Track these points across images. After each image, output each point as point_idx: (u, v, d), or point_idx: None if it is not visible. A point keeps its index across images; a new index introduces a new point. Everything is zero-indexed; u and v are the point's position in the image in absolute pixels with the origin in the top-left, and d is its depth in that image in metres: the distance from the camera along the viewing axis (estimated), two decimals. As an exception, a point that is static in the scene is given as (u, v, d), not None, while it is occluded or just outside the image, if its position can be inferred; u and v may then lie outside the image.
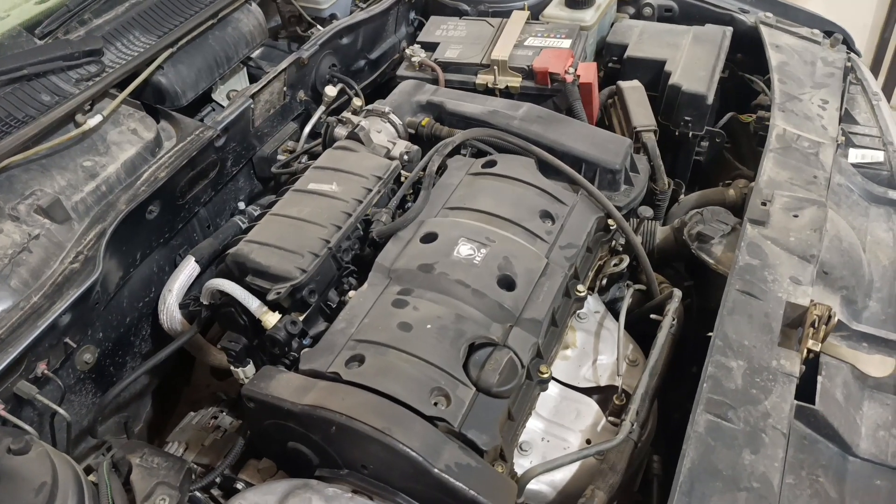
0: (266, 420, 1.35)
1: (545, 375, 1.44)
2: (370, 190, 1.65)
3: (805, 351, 1.43)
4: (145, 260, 1.78)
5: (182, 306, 1.70)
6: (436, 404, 1.28)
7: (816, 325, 1.44)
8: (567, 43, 2.11)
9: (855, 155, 1.97)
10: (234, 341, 1.57)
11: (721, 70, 2.24)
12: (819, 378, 1.41)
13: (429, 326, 1.38)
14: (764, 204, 1.71)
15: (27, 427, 1.36)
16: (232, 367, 1.60)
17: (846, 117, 2.07)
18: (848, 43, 2.31)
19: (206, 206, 1.96)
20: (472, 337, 1.38)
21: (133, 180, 1.62)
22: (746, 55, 2.40)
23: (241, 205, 2.05)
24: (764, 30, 2.30)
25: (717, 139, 2.18)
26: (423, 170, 1.72)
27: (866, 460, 1.35)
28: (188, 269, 1.82)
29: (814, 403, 1.36)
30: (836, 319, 1.44)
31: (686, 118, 2.10)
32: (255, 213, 1.96)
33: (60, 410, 1.41)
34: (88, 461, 1.73)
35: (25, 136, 1.53)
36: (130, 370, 1.81)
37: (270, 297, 1.47)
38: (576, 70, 2.01)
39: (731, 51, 2.38)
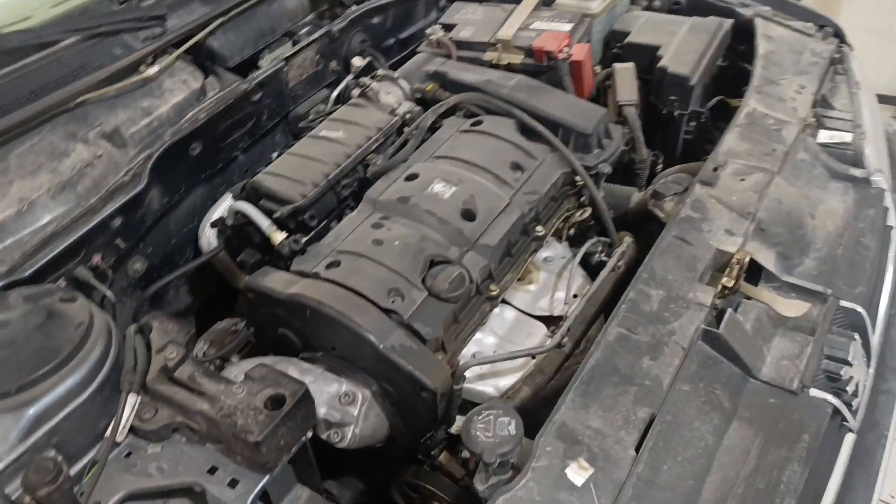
0: (262, 308, 1.68)
1: (494, 293, 1.71)
2: (370, 138, 1.96)
3: (720, 287, 1.64)
4: (191, 192, 2.15)
5: (212, 225, 2.05)
6: (393, 301, 1.58)
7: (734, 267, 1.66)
8: (567, 27, 2.36)
9: (824, 136, 2.14)
10: (250, 255, 1.91)
11: (714, 57, 2.44)
12: (729, 311, 1.61)
13: (396, 243, 1.68)
14: (715, 169, 1.92)
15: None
16: (247, 278, 1.94)
17: (823, 103, 2.24)
18: (840, 36, 2.46)
19: (246, 153, 2.31)
20: (431, 255, 1.67)
21: (179, 119, 1.99)
22: (748, 46, 2.58)
23: (275, 156, 2.40)
24: (759, 22, 2.48)
25: (701, 118, 2.39)
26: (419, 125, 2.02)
27: (765, 382, 1.54)
28: (225, 204, 2.17)
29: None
30: (747, 260, 1.65)
31: (671, 97, 2.32)
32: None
33: (107, 292, 1.77)
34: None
35: (99, 79, 1.92)
36: (174, 285, 2.18)
37: (275, 215, 1.80)
38: (571, 50, 2.26)
39: (735, 42, 2.58)
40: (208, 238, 2.15)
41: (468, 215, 1.75)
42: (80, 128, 1.89)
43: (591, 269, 2.02)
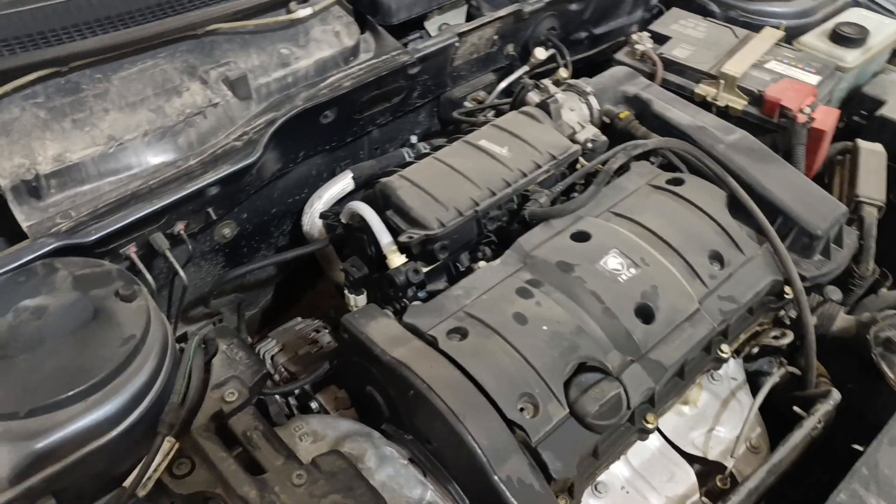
0: (353, 356, 1.32)
1: (650, 426, 1.29)
2: (539, 166, 1.54)
3: (967, 522, 1.17)
4: (307, 160, 1.80)
5: (322, 216, 1.70)
6: (521, 410, 1.19)
7: None
8: (815, 79, 1.85)
9: None
10: (357, 267, 1.54)
11: None
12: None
13: (545, 328, 1.27)
14: (982, 334, 1.42)
15: (148, 276, 1.42)
16: (346, 291, 1.58)
17: None
18: None
19: (382, 128, 1.94)
20: (585, 356, 1.26)
21: (318, 80, 1.62)
22: None
23: (414, 138, 2.02)
24: None
25: (951, 240, 1.85)
26: (603, 164, 1.58)
27: None
28: (343, 183, 1.82)
29: (954, 586, 1.12)
30: None
31: (923, 205, 1.79)
32: (424, 151, 1.91)
33: (181, 272, 1.45)
34: (194, 327, 1.81)
35: (239, 8, 1.57)
36: (261, 258, 1.86)
37: (402, 238, 1.42)
38: (813, 111, 1.76)
39: None
40: (313, 217, 1.81)
41: (645, 313, 1.33)
42: (203, 63, 1.54)
43: (755, 387, 1.56)
